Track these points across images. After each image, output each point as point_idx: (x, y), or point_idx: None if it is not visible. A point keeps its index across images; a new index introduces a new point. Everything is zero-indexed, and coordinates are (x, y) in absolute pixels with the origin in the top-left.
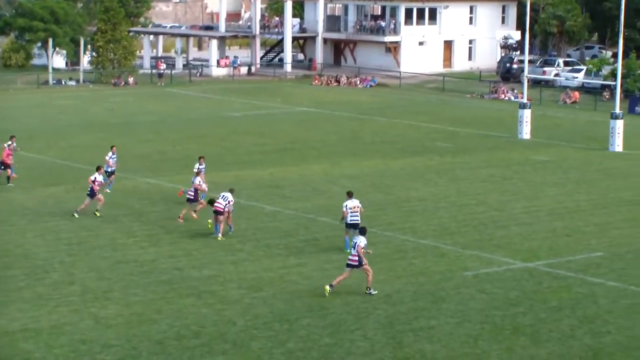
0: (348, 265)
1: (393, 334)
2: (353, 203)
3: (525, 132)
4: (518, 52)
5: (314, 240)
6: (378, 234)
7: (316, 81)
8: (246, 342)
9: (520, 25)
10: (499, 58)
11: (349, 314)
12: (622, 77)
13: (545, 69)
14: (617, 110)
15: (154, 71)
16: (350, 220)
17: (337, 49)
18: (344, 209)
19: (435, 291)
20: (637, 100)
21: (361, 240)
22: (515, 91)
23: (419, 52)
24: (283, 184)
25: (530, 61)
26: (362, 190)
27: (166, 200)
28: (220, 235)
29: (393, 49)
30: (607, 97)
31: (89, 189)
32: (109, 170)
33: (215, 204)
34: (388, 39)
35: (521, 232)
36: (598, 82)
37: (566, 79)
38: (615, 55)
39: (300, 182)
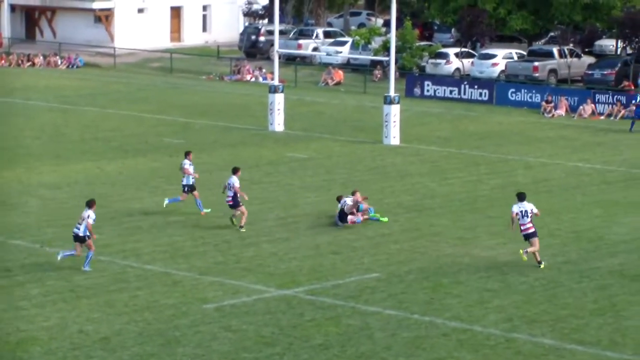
0: None
1: None
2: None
3: (278, 123)
4: (266, 21)
5: (5, 271)
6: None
7: (2, 61)
8: None
9: None
10: (241, 29)
11: None
12: (397, 52)
13: (301, 41)
14: (392, 93)
15: None
16: None
17: (30, 18)
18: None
19: (167, 331)
20: (416, 80)
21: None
22: (264, 71)
23: (138, 21)
24: None
25: (281, 32)
26: (69, 201)
27: None
28: None
29: (104, 18)
30: (378, 76)
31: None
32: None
33: None
34: (97, 5)
35: (276, 251)
36: (367, 57)
37: (327, 54)
38: (387, 24)
39: None
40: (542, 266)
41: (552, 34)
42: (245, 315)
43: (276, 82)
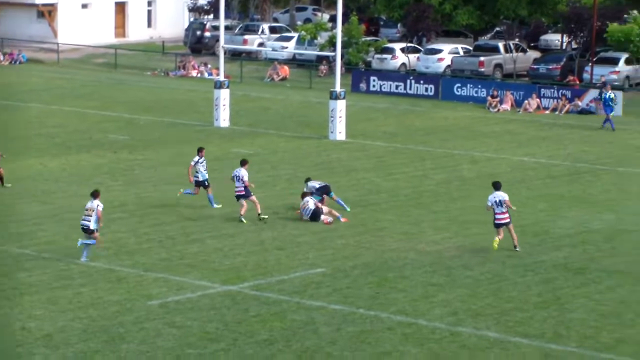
0: None
1: None
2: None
3: (223, 119)
4: (211, 16)
5: None
6: (34, 256)
7: None
8: None
9: None
10: (187, 24)
11: None
12: (343, 47)
13: (247, 37)
14: (338, 89)
15: None
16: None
17: None
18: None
19: (111, 327)
20: (362, 75)
21: None
22: (209, 66)
23: (82, 17)
24: None
25: (227, 27)
26: (10, 198)
27: None
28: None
29: (47, 13)
30: (324, 71)
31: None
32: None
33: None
34: (40, 0)
35: (221, 247)
36: (313, 52)
37: (273, 49)
38: (333, 19)
39: None
40: (518, 249)
41: (497, 29)
42: (190, 312)
43: (221, 77)
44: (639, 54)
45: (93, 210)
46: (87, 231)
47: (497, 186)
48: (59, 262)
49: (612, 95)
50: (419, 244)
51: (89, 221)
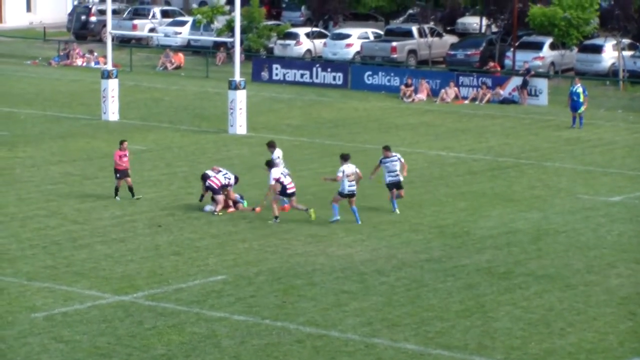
0: None
1: None
2: (350, 169)
3: (112, 112)
4: (97, 0)
5: None
6: None
7: None
8: None
9: None
10: (70, 8)
11: None
12: (242, 32)
13: (136, 22)
14: (237, 78)
15: None
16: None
17: None
18: (339, 174)
19: None
20: (263, 62)
21: None
22: (96, 54)
23: None
24: None
25: (114, 12)
26: None
27: None
28: None
29: None
30: (222, 59)
31: None
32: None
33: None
34: None
35: (111, 253)
36: (210, 39)
37: (166, 35)
38: (231, 2)
39: None
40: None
41: (410, 11)
42: (79, 325)
43: (109, 66)
44: (564, 38)
45: None
46: None
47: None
48: None
49: (580, 90)
50: (329, 247)
51: None
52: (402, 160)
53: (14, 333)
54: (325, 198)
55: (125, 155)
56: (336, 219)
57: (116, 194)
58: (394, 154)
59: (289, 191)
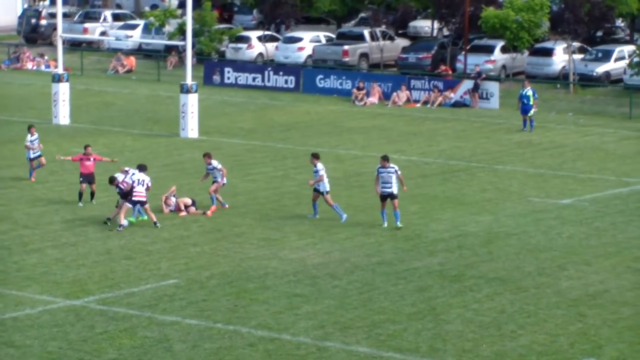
0: None
1: None
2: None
3: (63, 115)
4: (47, 3)
5: None
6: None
7: None
8: None
9: None
10: (20, 11)
11: None
12: (194, 35)
13: (87, 25)
14: (189, 81)
15: None
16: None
17: None
18: (321, 172)
19: None
20: (215, 66)
21: None
22: (47, 58)
23: None
24: None
25: (65, 15)
26: None
27: None
28: None
29: None
30: (173, 63)
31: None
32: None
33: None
34: None
35: (62, 257)
36: (161, 42)
37: (117, 38)
38: (183, 5)
39: None
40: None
41: (362, 14)
42: (30, 329)
43: (60, 70)
44: (516, 42)
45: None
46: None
47: (142, 168)
48: None
49: (530, 93)
50: (281, 250)
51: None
52: (399, 172)
53: None
54: (278, 201)
55: (88, 160)
56: (316, 216)
57: (80, 199)
58: (391, 165)
59: (135, 198)
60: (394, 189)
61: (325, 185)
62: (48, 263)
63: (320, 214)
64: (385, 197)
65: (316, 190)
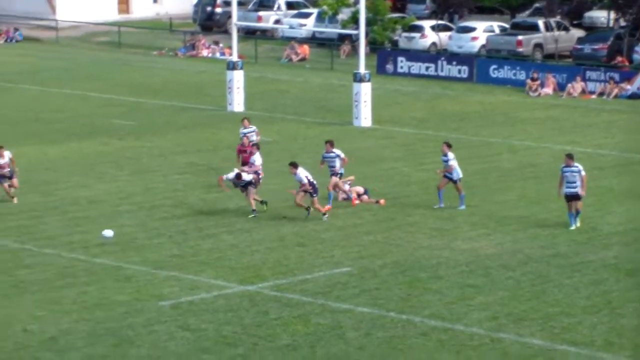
0: None
1: None
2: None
3: (237, 103)
4: None
5: None
6: (34, 251)
7: None
8: None
9: None
10: (196, 0)
11: None
12: (367, 24)
13: (261, 13)
14: (362, 70)
15: None
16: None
17: None
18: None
19: (120, 330)
20: (388, 55)
21: None
22: (221, 45)
23: None
24: None
25: (240, 3)
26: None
27: None
28: None
29: None
30: (347, 51)
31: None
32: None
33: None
34: None
35: (237, 243)
36: (335, 31)
37: (291, 27)
38: None
39: None
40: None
41: (537, 5)
42: (205, 313)
43: (235, 58)
44: None
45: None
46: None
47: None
48: (62, 259)
49: None
50: (454, 241)
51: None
52: (584, 173)
53: (141, 321)
54: (450, 191)
55: (244, 152)
56: (441, 206)
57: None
58: (575, 164)
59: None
60: (579, 189)
61: (459, 173)
62: (223, 248)
63: (489, 204)
64: (571, 197)
65: (447, 177)
